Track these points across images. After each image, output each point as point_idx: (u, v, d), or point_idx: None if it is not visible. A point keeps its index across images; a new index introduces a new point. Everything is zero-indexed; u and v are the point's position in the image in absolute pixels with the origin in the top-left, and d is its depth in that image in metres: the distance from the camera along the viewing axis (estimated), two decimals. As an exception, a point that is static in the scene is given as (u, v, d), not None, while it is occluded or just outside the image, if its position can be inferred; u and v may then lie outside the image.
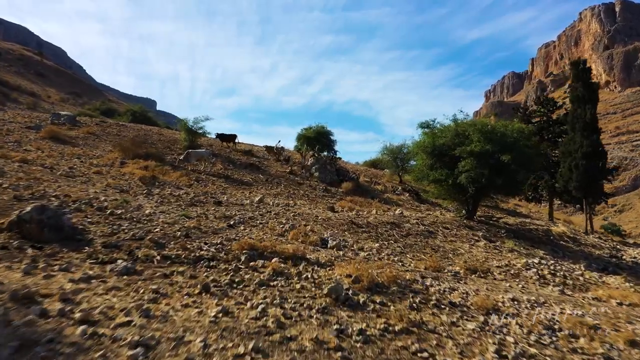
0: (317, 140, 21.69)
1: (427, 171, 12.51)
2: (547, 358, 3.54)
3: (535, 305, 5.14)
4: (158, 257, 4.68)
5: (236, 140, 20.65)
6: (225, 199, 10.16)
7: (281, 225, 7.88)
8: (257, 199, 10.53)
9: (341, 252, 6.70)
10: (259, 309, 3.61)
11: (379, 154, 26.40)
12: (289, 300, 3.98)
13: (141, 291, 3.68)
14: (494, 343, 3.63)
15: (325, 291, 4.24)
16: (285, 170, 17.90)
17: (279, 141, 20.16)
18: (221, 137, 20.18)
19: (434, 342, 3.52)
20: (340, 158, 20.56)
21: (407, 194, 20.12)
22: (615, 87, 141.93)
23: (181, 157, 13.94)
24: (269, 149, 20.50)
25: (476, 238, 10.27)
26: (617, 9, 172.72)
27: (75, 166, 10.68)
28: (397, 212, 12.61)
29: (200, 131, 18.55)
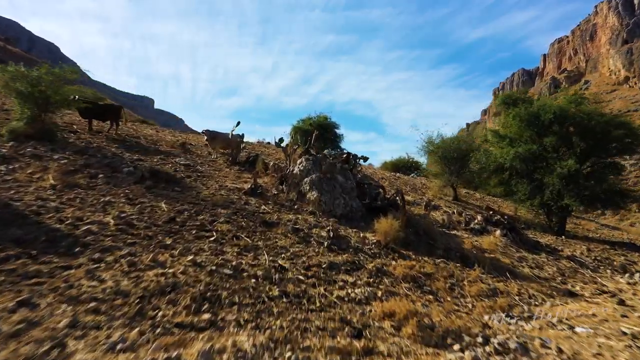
0: (319, 135, 12.30)
1: None
2: None
3: None
4: None
5: (121, 117, 10.18)
6: None
7: None
8: None
9: None
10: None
11: (419, 152, 16.47)
12: None
13: None
14: None
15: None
16: (243, 186, 7.90)
17: (238, 123, 9.68)
18: (86, 111, 9.33)
19: None
20: (367, 158, 9.79)
21: (497, 230, 10.14)
22: (636, 84, 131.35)
23: None
24: (212, 136, 9.70)
25: None
26: (636, 1, 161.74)
27: None
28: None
29: (71, 98, 8.27)
